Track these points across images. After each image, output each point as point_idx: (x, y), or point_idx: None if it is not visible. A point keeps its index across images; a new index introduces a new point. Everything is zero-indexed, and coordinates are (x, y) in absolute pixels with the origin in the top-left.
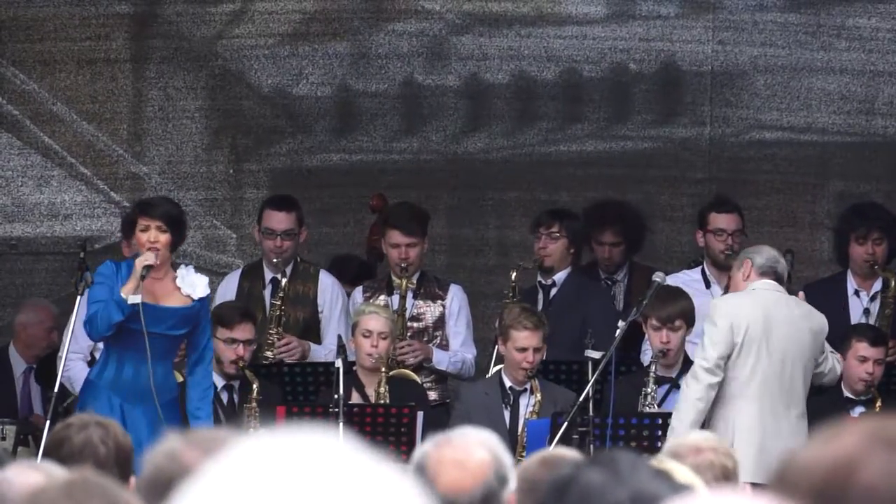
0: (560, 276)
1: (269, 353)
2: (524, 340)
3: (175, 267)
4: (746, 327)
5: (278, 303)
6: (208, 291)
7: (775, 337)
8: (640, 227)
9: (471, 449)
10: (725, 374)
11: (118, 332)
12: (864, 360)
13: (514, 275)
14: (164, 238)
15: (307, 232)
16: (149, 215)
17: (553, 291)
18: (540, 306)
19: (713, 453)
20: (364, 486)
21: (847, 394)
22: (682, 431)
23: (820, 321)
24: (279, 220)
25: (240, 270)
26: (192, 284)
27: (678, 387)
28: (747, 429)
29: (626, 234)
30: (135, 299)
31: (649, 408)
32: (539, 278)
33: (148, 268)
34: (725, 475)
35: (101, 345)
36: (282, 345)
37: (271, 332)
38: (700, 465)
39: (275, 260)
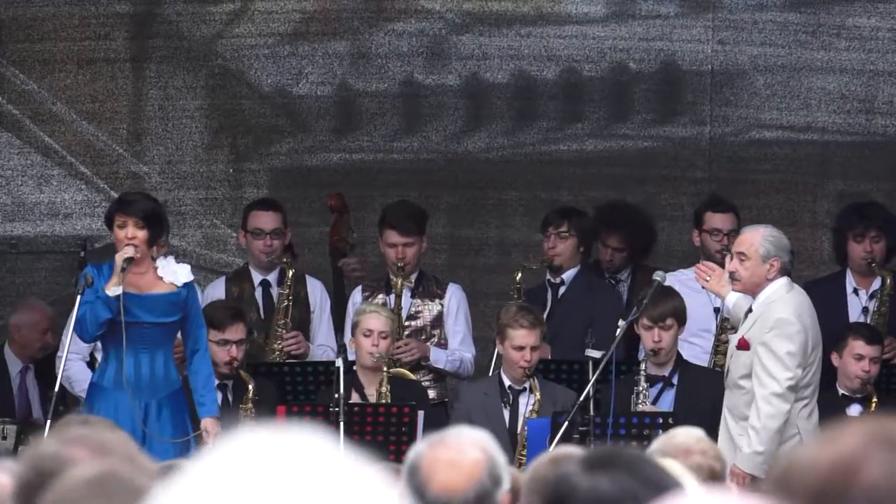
0: (569, 275)
1: (276, 345)
2: (521, 339)
3: (154, 260)
4: (814, 342)
5: (286, 292)
6: (192, 277)
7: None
8: (649, 237)
9: (464, 449)
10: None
11: (111, 329)
12: (860, 357)
13: (518, 276)
14: (142, 234)
15: (290, 233)
16: (125, 212)
17: (562, 290)
18: (549, 305)
19: (702, 456)
20: (332, 485)
21: (842, 391)
22: (768, 457)
23: None
24: (267, 219)
25: (223, 278)
26: (173, 272)
27: (672, 385)
28: (814, 432)
29: (632, 241)
30: (116, 291)
31: (642, 405)
32: (548, 276)
33: (128, 260)
34: (713, 477)
35: (101, 345)
36: (290, 337)
37: (280, 323)
38: (689, 467)
39: (265, 259)
